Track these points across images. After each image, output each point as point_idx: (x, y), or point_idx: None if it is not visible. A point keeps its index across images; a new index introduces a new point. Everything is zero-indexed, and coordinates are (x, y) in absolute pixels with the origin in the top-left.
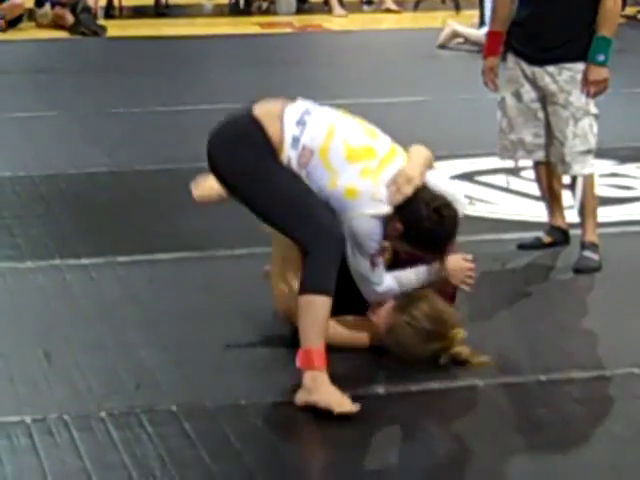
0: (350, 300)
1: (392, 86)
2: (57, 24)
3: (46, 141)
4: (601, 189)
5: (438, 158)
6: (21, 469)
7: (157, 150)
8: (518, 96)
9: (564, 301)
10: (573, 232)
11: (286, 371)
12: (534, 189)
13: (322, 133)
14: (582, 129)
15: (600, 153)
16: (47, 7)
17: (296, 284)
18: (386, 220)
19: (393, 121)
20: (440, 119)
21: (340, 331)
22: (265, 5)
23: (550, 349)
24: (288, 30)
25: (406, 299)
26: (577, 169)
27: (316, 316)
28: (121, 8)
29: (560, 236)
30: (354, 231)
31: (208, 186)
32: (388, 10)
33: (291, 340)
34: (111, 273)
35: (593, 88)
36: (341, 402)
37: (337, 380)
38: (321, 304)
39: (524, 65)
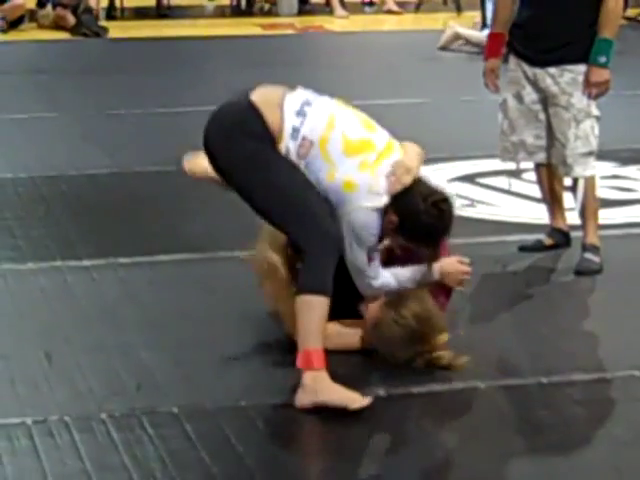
0: (344, 303)
1: (393, 87)
2: (58, 25)
3: (47, 142)
4: (602, 191)
5: (439, 160)
6: (22, 470)
7: (158, 151)
8: (519, 98)
9: (565, 303)
10: (574, 234)
11: (287, 372)
12: (535, 191)
13: (322, 124)
14: (583, 131)
15: (601, 155)
16: (49, 8)
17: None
18: (383, 213)
19: (394, 122)
20: (441, 121)
21: (330, 333)
22: (267, 6)
23: (551, 351)
24: (290, 31)
25: (397, 297)
26: (578, 171)
27: (314, 316)
28: (122, 9)
29: (561, 238)
30: (352, 223)
31: (201, 164)
32: (389, 11)
33: (291, 342)
34: (112, 274)
35: (594, 90)
36: (353, 398)
37: (337, 382)
38: (319, 304)
39: (525, 67)
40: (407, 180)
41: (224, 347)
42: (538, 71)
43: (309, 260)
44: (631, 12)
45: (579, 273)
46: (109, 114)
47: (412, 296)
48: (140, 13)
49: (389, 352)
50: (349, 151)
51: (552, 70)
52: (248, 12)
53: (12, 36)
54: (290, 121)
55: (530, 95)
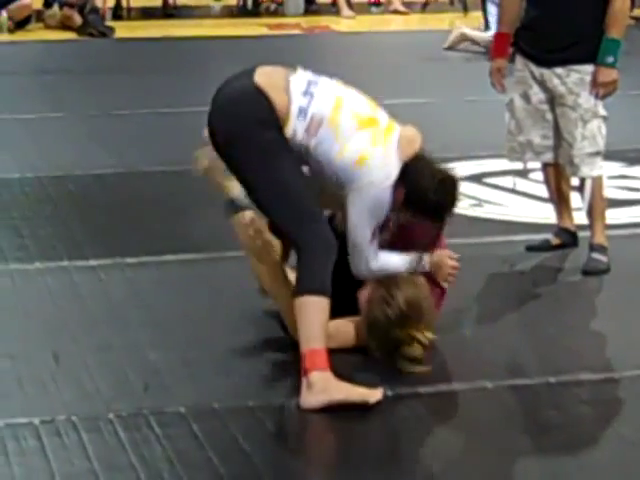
0: (343, 302)
1: (400, 87)
2: (65, 25)
3: (54, 142)
4: (609, 191)
5: (446, 160)
6: (29, 470)
7: (165, 151)
8: (526, 98)
9: (572, 303)
10: (582, 234)
11: (295, 372)
12: (542, 191)
13: (330, 103)
14: (591, 131)
15: (609, 155)
16: (55, 8)
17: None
18: (393, 188)
19: (401, 123)
20: (448, 121)
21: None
22: (273, 6)
23: (559, 351)
24: (296, 31)
25: (394, 278)
26: (585, 171)
27: (315, 317)
28: (129, 9)
29: (568, 238)
30: (364, 198)
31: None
32: (396, 11)
33: (297, 342)
34: (119, 274)
35: (602, 90)
36: (369, 393)
37: (343, 381)
38: (319, 304)
39: (532, 67)
40: (414, 149)
41: (231, 347)
42: (545, 71)
43: (306, 260)
44: (638, 12)
45: (586, 273)
46: (115, 114)
47: (408, 281)
48: (146, 13)
49: (371, 333)
50: (360, 125)
51: (559, 70)
52: (254, 12)
53: (19, 36)
54: (297, 102)
55: (537, 95)
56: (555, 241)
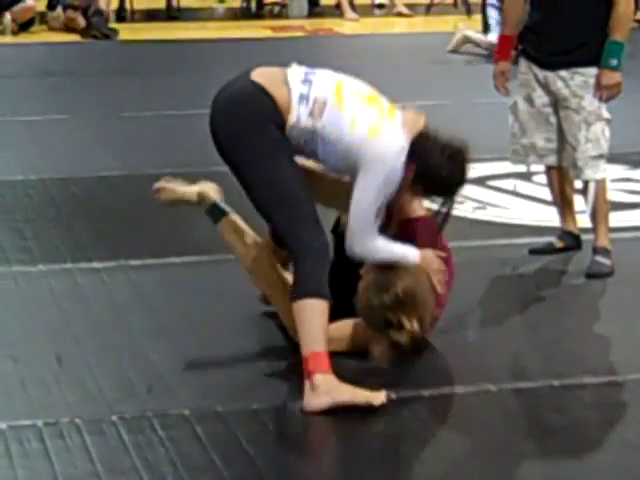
0: (342, 305)
1: (403, 90)
2: (69, 27)
3: (58, 144)
4: (613, 194)
5: None
6: (33, 473)
7: (169, 154)
8: (530, 100)
9: (576, 306)
10: (585, 237)
11: (298, 375)
12: (546, 194)
13: (331, 86)
14: (594, 134)
15: (612, 158)
16: (59, 10)
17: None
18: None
19: None
20: (451, 123)
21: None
22: (277, 9)
23: (562, 354)
24: (300, 34)
25: (395, 266)
26: (589, 174)
27: (315, 320)
28: (133, 11)
29: (572, 241)
30: (379, 169)
31: (174, 191)
32: (399, 14)
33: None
34: (123, 277)
35: (606, 93)
36: (373, 395)
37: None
38: (318, 307)
39: (536, 69)
40: (419, 126)
41: (235, 349)
42: (549, 74)
43: (303, 264)
44: None
45: (590, 276)
46: (119, 116)
47: (410, 272)
48: (150, 15)
49: (362, 312)
50: (365, 101)
51: (563, 73)
52: (258, 14)
53: (22, 38)
54: (297, 90)
55: (541, 98)
56: (558, 244)
